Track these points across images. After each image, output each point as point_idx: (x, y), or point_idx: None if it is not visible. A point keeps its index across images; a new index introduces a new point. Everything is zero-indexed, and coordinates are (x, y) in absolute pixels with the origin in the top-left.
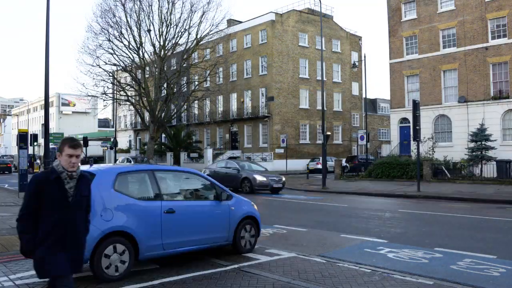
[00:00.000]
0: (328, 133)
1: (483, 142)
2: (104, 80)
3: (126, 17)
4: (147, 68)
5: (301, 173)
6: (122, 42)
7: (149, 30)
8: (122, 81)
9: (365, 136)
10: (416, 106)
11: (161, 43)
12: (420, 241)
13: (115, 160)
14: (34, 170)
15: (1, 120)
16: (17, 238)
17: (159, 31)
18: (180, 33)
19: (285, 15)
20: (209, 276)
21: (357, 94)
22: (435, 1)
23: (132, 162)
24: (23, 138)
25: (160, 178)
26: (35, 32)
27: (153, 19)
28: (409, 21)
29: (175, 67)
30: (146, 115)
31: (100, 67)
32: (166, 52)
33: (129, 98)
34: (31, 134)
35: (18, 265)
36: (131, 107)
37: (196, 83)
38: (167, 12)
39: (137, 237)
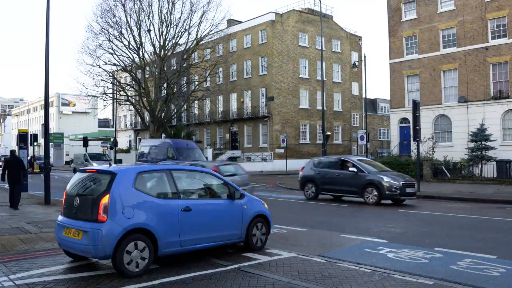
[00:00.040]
0: (328, 133)
1: (483, 142)
2: (104, 80)
3: (126, 17)
4: (147, 68)
5: None
6: (122, 42)
7: (149, 30)
8: (122, 81)
9: (365, 136)
10: (416, 106)
11: (161, 43)
12: (420, 241)
13: (115, 160)
14: (34, 170)
15: (1, 120)
16: (17, 238)
17: (159, 31)
18: (180, 33)
19: (285, 15)
20: (209, 276)
21: (357, 94)
22: (435, 1)
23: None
24: (23, 138)
25: (177, 177)
26: (35, 32)
27: (153, 19)
28: (409, 21)
29: (175, 67)
30: (146, 115)
31: (100, 67)
32: (166, 52)
33: (129, 98)
34: (31, 134)
35: (18, 265)
36: (131, 107)
37: (196, 83)
38: (167, 12)
39: (156, 234)
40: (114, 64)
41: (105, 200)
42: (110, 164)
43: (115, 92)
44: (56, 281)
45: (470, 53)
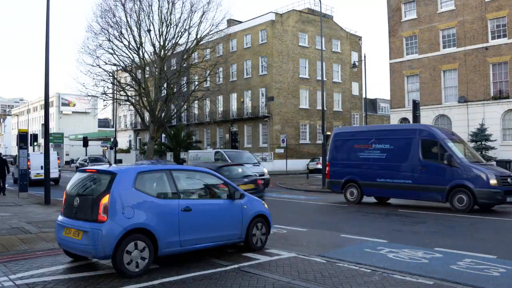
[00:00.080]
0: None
1: (483, 142)
2: (104, 80)
3: (126, 17)
4: (147, 68)
5: (301, 173)
6: (122, 42)
7: (149, 30)
8: (122, 81)
9: None
10: (416, 106)
11: (161, 43)
12: (420, 241)
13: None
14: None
15: (1, 120)
16: (17, 238)
17: (159, 31)
18: (180, 33)
19: (285, 15)
20: (209, 276)
21: (357, 94)
22: (435, 1)
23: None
24: (23, 138)
25: (177, 177)
26: (35, 32)
27: (153, 19)
28: (409, 21)
29: (175, 67)
30: (146, 115)
31: (100, 67)
32: (166, 52)
33: (129, 98)
34: (31, 134)
35: (18, 265)
36: (131, 107)
37: (196, 83)
38: (167, 12)
39: (156, 234)
40: (114, 64)
41: (105, 200)
42: (110, 164)
43: (115, 92)
44: (56, 281)
45: (470, 53)
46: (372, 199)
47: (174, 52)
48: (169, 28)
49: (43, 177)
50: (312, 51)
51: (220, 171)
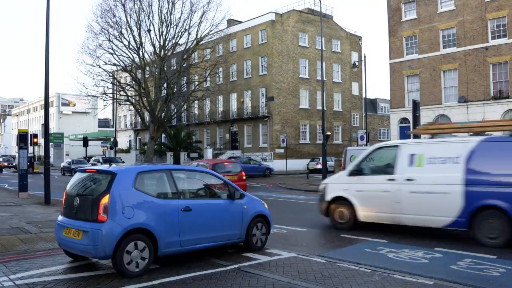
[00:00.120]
0: (328, 133)
1: None
2: (104, 80)
3: (126, 17)
4: (147, 68)
5: (301, 173)
6: (122, 42)
7: (149, 30)
8: (122, 81)
9: (365, 136)
10: (416, 106)
11: (161, 43)
12: (420, 241)
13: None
14: (34, 170)
15: (1, 120)
16: (17, 238)
17: (159, 31)
18: (180, 33)
19: (285, 15)
20: (209, 276)
21: (357, 94)
22: (435, 1)
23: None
24: (23, 138)
25: (177, 178)
26: (35, 32)
27: (153, 19)
28: (409, 21)
29: (175, 67)
30: (146, 115)
31: (100, 67)
32: (166, 52)
33: (129, 98)
34: (31, 134)
35: (18, 265)
36: (131, 107)
37: (196, 83)
38: (167, 12)
39: (156, 234)
40: (114, 64)
41: (105, 200)
42: (110, 164)
43: (115, 92)
44: (56, 281)
45: (470, 53)
46: None
47: (174, 52)
48: (169, 28)
49: None
50: (312, 51)
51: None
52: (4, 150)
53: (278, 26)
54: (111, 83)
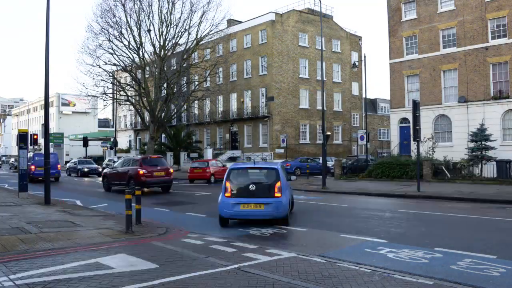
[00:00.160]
0: (328, 133)
1: (483, 142)
2: (104, 80)
3: (126, 17)
4: (147, 68)
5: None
6: (122, 42)
7: (149, 30)
8: (122, 81)
9: (365, 136)
10: (416, 106)
11: (161, 43)
12: (420, 241)
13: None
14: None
15: (1, 120)
16: (17, 238)
17: (159, 31)
18: (180, 33)
19: (285, 15)
20: (209, 276)
21: (357, 94)
22: (435, 1)
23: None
24: (23, 138)
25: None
26: (35, 32)
27: (153, 19)
28: (409, 21)
29: (175, 67)
30: (146, 115)
31: (100, 67)
32: (166, 52)
33: (129, 98)
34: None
35: (18, 265)
36: (131, 107)
37: (196, 83)
38: (167, 12)
39: (291, 203)
40: (114, 64)
41: (279, 184)
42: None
43: (115, 92)
44: (56, 281)
45: (470, 53)
46: (373, 199)
47: (174, 52)
48: (169, 28)
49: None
50: (312, 51)
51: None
52: (4, 150)
53: (278, 26)
54: (111, 83)
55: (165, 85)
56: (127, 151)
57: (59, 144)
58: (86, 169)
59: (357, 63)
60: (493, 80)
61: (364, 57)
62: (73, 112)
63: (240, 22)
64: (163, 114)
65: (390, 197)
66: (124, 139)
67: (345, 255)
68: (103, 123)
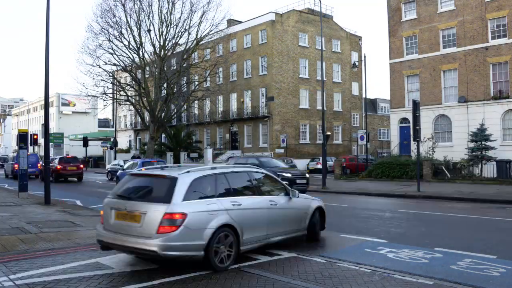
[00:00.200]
0: (328, 133)
1: (483, 142)
2: (104, 80)
3: (126, 17)
4: (147, 68)
5: None
6: (122, 42)
7: (149, 30)
8: (122, 81)
9: (365, 136)
10: (416, 106)
11: (161, 43)
12: (420, 241)
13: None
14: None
15: (1, 120)
16: (17, 238)
17: (159, 31)
18: (180, 33)
19: (285, 15)
20: (209, 276)
21: (357, 94)
22: (435, 1)
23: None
24: (23, 138)
25: None
26: (35, 32)
27: (153, 19)
28: (409, 21)
29: (175, 67)
30: (146, 115)
31: (100, 67)
32: (166, 52)
33: (129, 98)
34: (31, 134)
35: (18, 265)
36: (131, 107)
37: (196, 83)
38: (167, 12)
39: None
40: (114, 64)
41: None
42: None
43: (115, 92)
44: (56, 281)
45: (470, 53)
46: (373, 199)
47: (174, 52)
48: (169, 28)
49: None
50: (312, 51)
51: None
52: (4, 150)
53: (278, 26)
54: (111, 83)
55: (165, 85)
56: (127, 151)
57: (59, 144)
58: None
59: (357, 63)
60: (493, 80)
61: (364, 57)
62: (73, 112)
63: (240, 22)
64: (163, 114)
65: (390, 197)
66: (124, 139)
67: (345, 255)
68: (103, 123)
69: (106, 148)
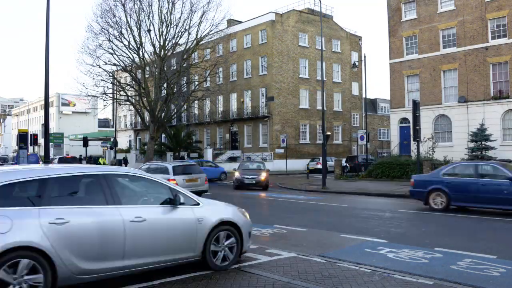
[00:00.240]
0: (328, 133)
1: (483, 142)
2: (104, 80)
3: (126, 17)
4: (147, 68)
5: (301, 173)
6: (122, 42)
7: (149, 30)
8: (122, 81)
9: (365, 136)
10: (416, 106)
11: (161, 43)
12: (420, 241)
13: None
14: None
15: (1, 120)
16: None
17: (159, 31)
18: (180, 33)
19: (285, 15)
20: (209, 276)
21: (357, 94)
22: (435, 1)
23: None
24: (23, 138)
25: None
26: (35, 32)
27: (153, 19)
28: (409, 21)
29: (175, 67)
30: (146, 115)
31: (100, 67)
32: (166, 52)
33: (129, 98)
34: (31, 134)
35: None
36: (131, 107)
37: (196, 83)
38: (167, 12)
39: None
40: (114, 64)
41: None
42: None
43: (115, 92)
44: None
45: (470, 53)
46: (373, 199)
47: (174, 52)
48: (169, 28)
49: None
50: (312, 51)
51: None
52: (4, 150)
53: (278, 26)
54: (111, 83)
55: (165, 85)
56: (127, 151)
57: (59, 144)
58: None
59: (357, 63)
60: (493, 80)
61: (364, 57)
62: (73, 112)
63: (240, 22)
64: (163, 114)
65: (390, 197)
66: (124, 139)
67: (345, 255)
68: (103, 123)
69: (106, 148)
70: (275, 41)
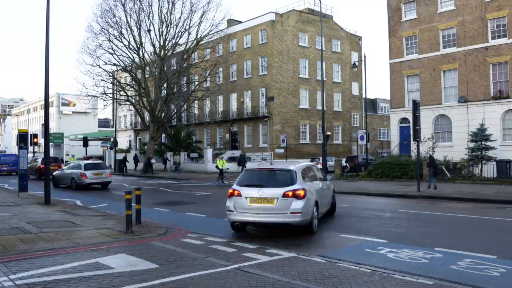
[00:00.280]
0: (328, 133)
1: (483, 142)
2: (104, 80)
3: (126, 17)
4: (147, 68)
5: None
6: (122, 42)
7: (149, 30)
8: (122, 81)
9: (365, 136)
10: (416, 106)
11: (161, 43)
12: (420, 241)
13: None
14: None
15: (1, 120)
16: (17, 238)
17: (159, 31)
18: (180, 33)
19: (285, 15)
20: (209, 276)
21: (357, 94)
22: (435, 1)
23: None
24: (23, 138)
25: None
26: (35, 32)
27: (153, 19)
28: (409, 21)
29: (175, 67)
30: (146, 115)
31: (100, 67)
32: (166, 52)
33: (129, 98)
34: (31, 134)
35: (18, 265)
36: (131, 107)
37: (196, 83)
38: (167, 12)
39: None
40: (114, 64)
41: None
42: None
43: (115, 92)
44: (56, 281)
45: (470, 53)
46: (373, 199)
47: (174, 52)
48: (169, 28)
49: None
50: (312, 51)
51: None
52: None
53: (278, 26)
54: (111, 83)
55: (165, 85)
56: (127, 151)
57: (59, 144)
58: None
59: (357, 63)
60: (493, 80)
61: (364, 57)
62: (73, 112)
63: (240, 22)
64: (163, 114)
65: (390, 197)
66: (124, 139)
67: (345, 255)
68: (103, 123)
69: (106, 148)
70: (275, 41)
